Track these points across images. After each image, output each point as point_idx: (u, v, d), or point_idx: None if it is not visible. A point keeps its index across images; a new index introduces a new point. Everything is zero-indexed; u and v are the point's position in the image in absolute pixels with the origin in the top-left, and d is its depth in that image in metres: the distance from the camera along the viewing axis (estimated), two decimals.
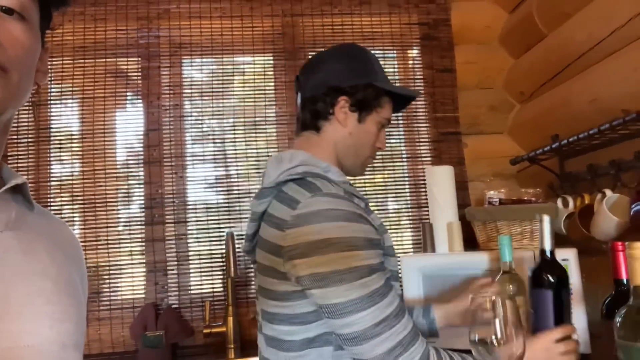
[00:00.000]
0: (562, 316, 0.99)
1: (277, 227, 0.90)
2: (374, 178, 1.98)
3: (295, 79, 1.12)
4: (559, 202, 1.62)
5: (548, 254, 1.03)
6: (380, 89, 1.05)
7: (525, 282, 1.09)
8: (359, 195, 1.02)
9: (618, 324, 0.75)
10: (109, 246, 1.80)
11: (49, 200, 1.82)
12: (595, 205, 1.44)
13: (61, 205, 1.82)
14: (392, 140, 1.99)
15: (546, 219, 1.04)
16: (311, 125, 1.06)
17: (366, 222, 0.90)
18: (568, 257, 1.36)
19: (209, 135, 1.92)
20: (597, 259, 1.46)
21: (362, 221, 0.89)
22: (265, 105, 1.93)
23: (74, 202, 1.82)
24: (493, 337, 0.86)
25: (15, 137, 1.81)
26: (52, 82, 1.89)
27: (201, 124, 1.92)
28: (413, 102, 2.03)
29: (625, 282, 0.90)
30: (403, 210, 1.97)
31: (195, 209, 1.87)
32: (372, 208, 1.87)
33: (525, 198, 1.68)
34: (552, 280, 1.00)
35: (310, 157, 0.99)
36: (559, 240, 1.28)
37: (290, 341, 0.91)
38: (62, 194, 1.83)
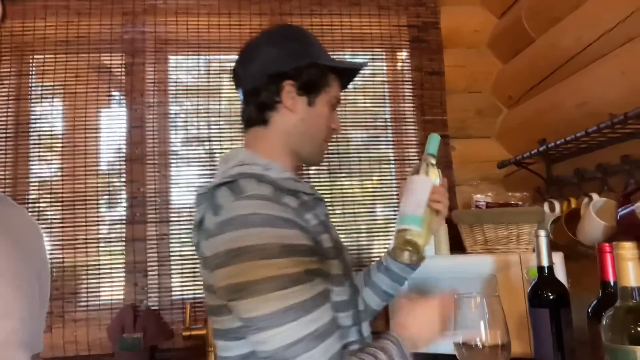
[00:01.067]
0: (562, 335, 0.96)
1: (205, 237, 0.84)
2: (362, 182, 1.95)
3: (233, 72, 1.02)
4: (546, 206, 1.61)
5: (546, 270, 1.00)
6: (324, 66, 0.97)
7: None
8: (305, 190, 0.93)
9: (605, 327, 0.73)
10: (88, 245, 1.75)
11: (27, 197, 1.76)
12: (581, 209, 1.43)
13: (39, 202, 1.77)
14: (380, 144, 1.97)
15: (542, 233, 1.01)
16: (258, 119, 0.96)
17: (290, 226, 0.80)
18: (554, 262, 1.35)
19: (194, 133, 1.89)
20: (583, 264, 1.45)
21: (284, 225, 0.79)
22: None
23: (53, 200, 1.77)
24: (478, 339, 0.84)
25: None
26: (33, 76, 1.84)
27: (186, 122, 1.89)
28: (401, 105, 2.04)
29: (612, 284, 0.88)
30: (391, 213, 1.94)
31: (179, 208, 1.83)
32: (360, 211, 1.86)
33: (512, 202, 1.67)
34: (552, 298, 0.98)
35: (250, 156, 0.92)
36: None
37: (226, 357, 0.86)
38: (41, 191, 1.78)
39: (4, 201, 0.62)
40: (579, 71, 1.51)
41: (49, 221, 1.75)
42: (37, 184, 1.78)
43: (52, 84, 1.84)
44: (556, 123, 1.63)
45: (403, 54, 2.04)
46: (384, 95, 2.00)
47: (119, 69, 1.87)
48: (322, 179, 1.89)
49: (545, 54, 1.68)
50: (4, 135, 1.78)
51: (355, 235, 1.89)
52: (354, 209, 1.91)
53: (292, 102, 0.95)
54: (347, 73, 1.04)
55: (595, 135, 1.35)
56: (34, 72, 1.85)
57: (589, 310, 0.92)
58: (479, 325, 0.83)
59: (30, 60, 1.85)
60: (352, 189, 1.94)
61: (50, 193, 1.78)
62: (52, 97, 1.84)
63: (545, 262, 1.02)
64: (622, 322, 0.71)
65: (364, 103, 1.98)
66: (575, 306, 1.29)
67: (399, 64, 2.04)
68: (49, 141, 1.82)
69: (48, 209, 1.77)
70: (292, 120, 0.96)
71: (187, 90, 1.90)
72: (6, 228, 0.57)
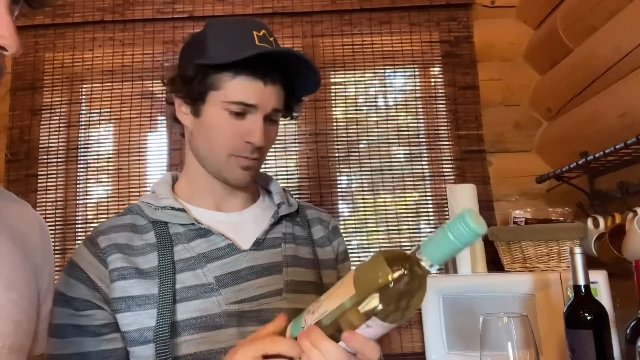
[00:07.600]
0: (601, 357, 0.91)
1: None
2: (405, 198, 1.93)
3: None
4: (589, 222, 1.54)
5: (582, 289, 0.96)
6: (207, 66, 0.77)
7: None
8: (182, 221, 0.81)
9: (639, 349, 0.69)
10: None
11: (76, 218, 1.87)
12: (626, 224, 1.35)
13: (87, 223, 1.87)
14: (414, 159, 1.95)
15: (578, 251, 0.98)
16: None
17: (75, 274, 0.76)
18: (597, 280, 1.29)
19: None
20: (632, 282, 1.37)
21: (72, 273, 0.76)
22: (284, 125, 1.94)
23: (100, 219, 1.87)
24: None
25: (45, 157, 1.89)
26: (83, 104, 1.96)
27: None
28: (435, 120, 2.01)
29: None
30: (425, 229, 1.91)
31: None
32: (395, 228, 1.84)
33: (553, 218, 1.61)
34: (589, 318, 0.94)
35: (158, 182, 0.89)
36: (590, 262, 1.21)
37: None
38: (89, 213, 1.88)
39: (5, 196, 0.59)
40: (619, 81, 1.45)
41: None
42: (84, 204, 1.89)
43: (99, 110, 1.96)
44: (597, 135, 1.56)
45: (436, 70, 2.02)
46: (417, 111, 1.99)
47: (161, 95, 1.97)
48: (366, 196, 1.90)
49: (583, 64, 1.62)
50: (55, 159, 1.89)
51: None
52: (397, 224, 1.90)
53: (182, 114, 0.84)
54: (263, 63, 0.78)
55: (636, 147, 1.29)
56: (83, 100, 1.97)
57: (627, 331, 0.87)
58: (507, 347, 0.80)
59: (80, 89, 1.98)
60: (391, 204, 1.92)
61: (97, 213, 1.87)
62: (99, 123, 1.95)
63: (581, 281, 0.97)
64: None
65: (397, 118, 1.97)
66: (622, 327, 1.23)
67: (432, 80, 2.03)
68: (95, 164, 1.93)
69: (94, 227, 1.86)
70: (187, 134, 0.85)
71: None
72: (3, 224, 0.54)
